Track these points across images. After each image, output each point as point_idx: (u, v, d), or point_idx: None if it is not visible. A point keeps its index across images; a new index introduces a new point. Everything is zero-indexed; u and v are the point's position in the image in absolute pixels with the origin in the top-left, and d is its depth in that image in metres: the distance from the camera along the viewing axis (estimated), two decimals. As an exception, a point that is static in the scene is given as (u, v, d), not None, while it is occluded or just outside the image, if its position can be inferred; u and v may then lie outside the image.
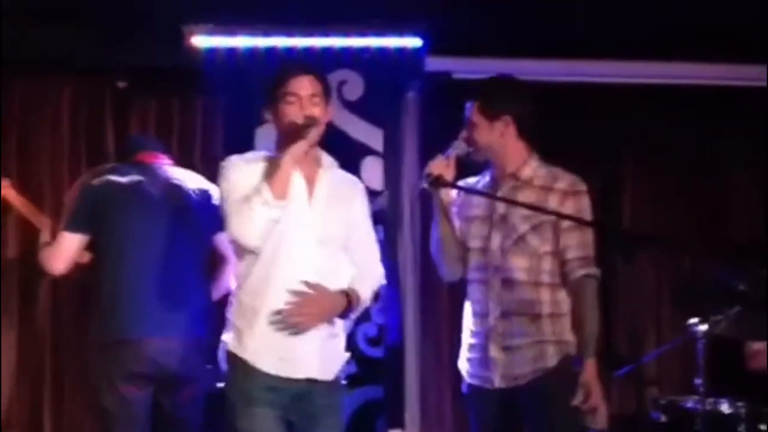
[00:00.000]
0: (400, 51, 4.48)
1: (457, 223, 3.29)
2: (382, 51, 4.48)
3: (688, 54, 4.68)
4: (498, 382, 3.16)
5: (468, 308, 3.27)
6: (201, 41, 4.47)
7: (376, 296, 4.42)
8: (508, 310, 3.16)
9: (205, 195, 3.71)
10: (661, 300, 4.97)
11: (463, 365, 3.28)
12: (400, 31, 4.45)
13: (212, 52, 4.48)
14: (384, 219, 4.52)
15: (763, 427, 3.82)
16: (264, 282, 2.92)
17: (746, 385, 4.04)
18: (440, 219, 3.25)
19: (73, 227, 3.61)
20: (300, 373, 2.92)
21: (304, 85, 2.95)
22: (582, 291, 3.14)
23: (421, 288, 4.78)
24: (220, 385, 3.07)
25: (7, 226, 4.79)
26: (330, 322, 2.99)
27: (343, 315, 3.01)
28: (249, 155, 3.06)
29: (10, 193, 3.96)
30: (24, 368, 4.78)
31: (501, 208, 3.20)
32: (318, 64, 4.43)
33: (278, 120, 2.97)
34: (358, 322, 4.47)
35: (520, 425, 3.18)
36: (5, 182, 3.97)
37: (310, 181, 3.00)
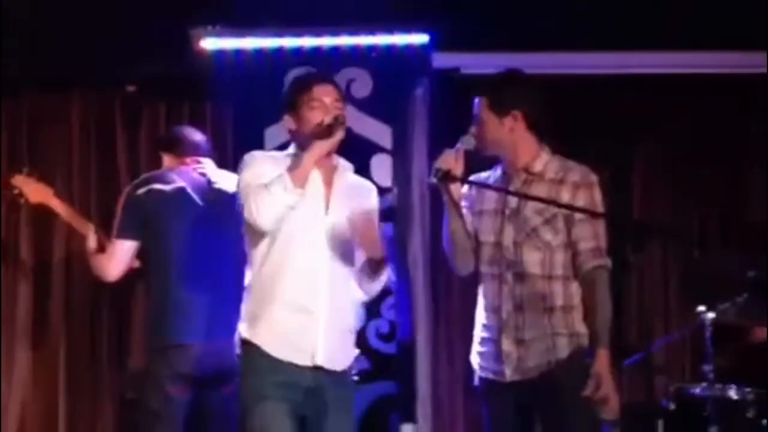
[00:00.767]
0: (408, 48, 4.49)
1: (468, 217, 3.29)
2: (390, 48, 4.50)
3: (701, 43, 4.66)
4: (510, 376, 3.18)
5: (480, 302, 3.29)
6: (209, 44, 4.49)
7: (385, 293, 4.50)
8: (521, 303, 3.17)
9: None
10: (670, 288, 4.99)
11: (475, 359, 3.30)
12: (407, 29, 4.47)
13: (221, 54, 4.50)
14: (394, 216, 4.55)
15: (771, 411, 3.85)
16: (280, 271, 3.00)
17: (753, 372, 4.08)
18: (451, 213, 3.25)
19: (124, 234, 3.73)
20: (307, 359, 2.97)
21: (328, 92, 3.09)
22: (594, 282, 3.16)
23: (432, 284, 4.80)
24: None
25: (20, 231, 4.83)
26: (346, 317, 3.07)
27: (376, 267, 3.06)
28: (272, 152, 3.19)
29: (54, 201, 4.00)
30: (38, 374, 4.81)
31: (513, 202, 3.21)
32: (326, 63, 4.51)
33: (303, 124, 3.09)
34: (370, 318, 4.52)
35: (532, 418, 3.20)
36: (48, 191, 4.02)
37: (328, 184, 3.12)
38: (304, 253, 3.01)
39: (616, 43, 4.65)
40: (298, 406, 2.97)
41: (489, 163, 3.34)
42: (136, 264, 3.87)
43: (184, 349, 3.63)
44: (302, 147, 3.08)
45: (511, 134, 3.22)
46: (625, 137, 4.99)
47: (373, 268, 3.07)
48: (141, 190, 3.76)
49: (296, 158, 3.04)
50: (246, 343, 3.02)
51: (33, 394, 4.80)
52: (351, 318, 3.13)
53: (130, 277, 4.03)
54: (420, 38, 4.49)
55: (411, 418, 4.57)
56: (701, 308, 3.84)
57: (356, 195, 3.15)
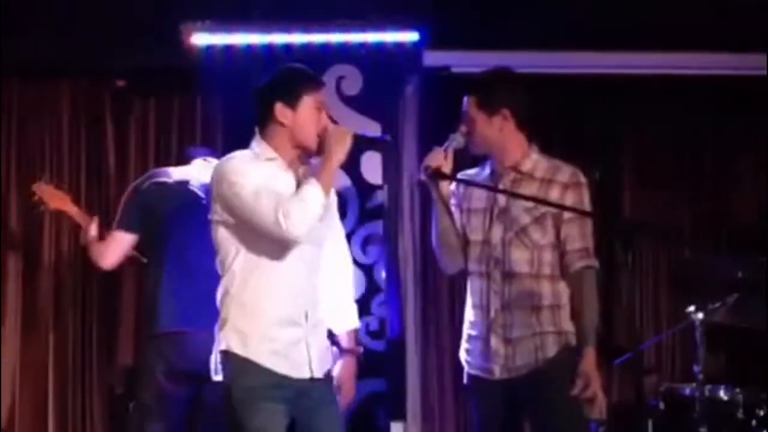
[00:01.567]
0: (398, 46, 4.48)
1: (457, 215, 3.29)
2: (380, 46, 4.49)
3: (688, 44, 4.68)
4: (499, 374, 3.18)
5: (468, 300, 3.29)
6: (199, 39, 4.48)
7: (375, 290, 4.50)
8: (509, 302, 3.17)
9: None
10: (660, 288, 5.00)
11: (464, 355, 3.30)
12: (397, 26, 4.46)
13: (210, 49, 4.48)
14: (383, 213, 4.55)
15: (760, 412, 3.85)
16: (272, 284, 2.92)
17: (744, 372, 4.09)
18: (439, 211, 3.25)
19: (123, 227, 3.79)
20: (304, 373, 2.95)
21: (324, 95, 3.03)
22: (581, 282, 3.16)
23: (422, 281, 4.81)
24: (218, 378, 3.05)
25: (9, 223, 4.82)
26: (324, 324, 3.07)
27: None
28: (241, 155, 3.00)
29: (71, 207, 4.02)
30: (27, 366, 4.81)
31: (502, 200, 3.21)
32: (316, 59, 4.48)
33: (300, 122, 2.95)
34: (360, 315, 4.50)
35: (521, 415, 3.21)
36: (66, 197, 4.04)
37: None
38: (293, 267, 2.93)
39: (607, 44, 4.66)
40: (292, 405, 2.94)
41: (478, 162, 3.33)
42: (132, 253, 3.91)
43: (176, 338, 3.63)
44: (289, 144, 2.97)
45: (500, 133, 3.22)
46: (615, 137, 4.99)
47: None
48: (145, 184, 3.83)
49: (320, 164, 2.93)
50: (236, 358, 2.93)
51: (22, 388, 4.80)
52: (324, 323, 3.09)
53: (121, 271, 4.05)
54: (410, 36, 4.48)
55: (400, 415, 4.57)
56: (691, 308, 3.84)
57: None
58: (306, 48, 4.48)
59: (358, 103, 4.52)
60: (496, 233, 3.20)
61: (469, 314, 3.28)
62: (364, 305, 4.51)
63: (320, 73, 4.43)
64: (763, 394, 3.89)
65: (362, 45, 4.50)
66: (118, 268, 3.93)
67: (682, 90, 4.85)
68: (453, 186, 3.29)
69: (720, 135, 5.01)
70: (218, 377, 2.98)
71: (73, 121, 4.88)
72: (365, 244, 4.53)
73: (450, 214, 3.27)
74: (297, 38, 4.47)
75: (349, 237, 4.31)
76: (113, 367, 4.80)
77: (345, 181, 4.47)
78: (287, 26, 4.48)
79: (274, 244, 2.90)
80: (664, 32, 4.54)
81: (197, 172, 3.83)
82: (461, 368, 3.33)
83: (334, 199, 3.09)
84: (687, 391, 3.95)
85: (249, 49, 4.48)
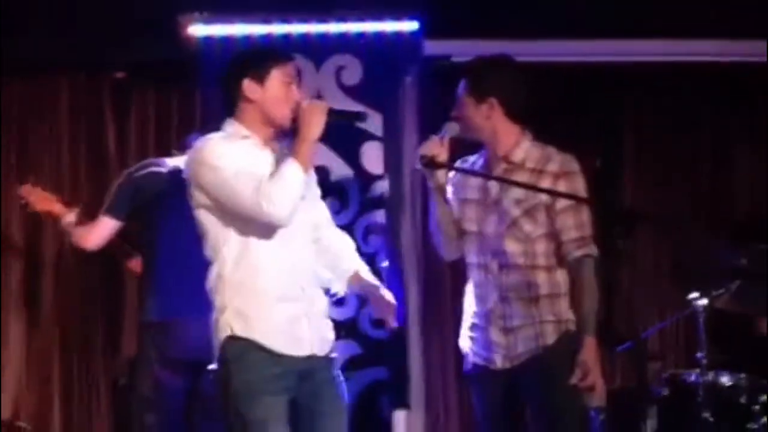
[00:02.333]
0: (398, 35, 4.47)
1: (453, 204, 3.29)
2: (380, 35, 4.48)
3: (688, 31, 4.66)
4: (500, 363, 3.19)
5: (469, 289, 3.29)
6: (197, 30, 4.47)
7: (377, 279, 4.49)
8: (507, 293, 3.17)
9: None
10: (662, 275, 5.00)
11: (466, 344, 3.30)
12: (397, 15, 4.45)
13: (209, 41, 4.48)
14: (385, 203, 4.54)
15: (763, 398, 3.85)
16: (264, 261, 2.88)
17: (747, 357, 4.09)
18: (436, 200, 3.25)
19: (112, 212, 3.83)
20: (305, 350, 2.92)
21: (296, 68, 2.98)
22: (580, 271, 3.15)
23: (424, 270, 4.81)
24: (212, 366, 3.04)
25: (11, 218, 4.83)
26: (322, 300, 3.02)
27: None
28: (218, 135, 2.94)
29: (59, 208, 4.02)
30: (32, 361, 4.82)
31: (494, 192, 3.20)
32: (315, 49, 4.48)
33: (269, 98, 2.89)
34: (362, 304, 4.52)
35: (522, 404, 3.21)
36: (52, 198, 4.04)
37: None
38: (284, 242, 2.89)
39: (607, 31, 4.64)
40: (294, 392, 2.92)
41: (476, 150, 3.32)
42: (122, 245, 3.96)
43: (171, 326, 3.65)
44: (260, 121, 2.91)
45: (488, 121, 3.20)
46: (616, 125, 4.98)
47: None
48: (139, 173, 3.87)
49: (299, 142, 2.86)
50: (236, 339, 2.88)
51: (27, 381, 4.81)
52: (324, 300, 3.04)
53: (123, 262, 4.04)
54: (410, 25, 4.47)
55: (403, 403, 4.58)
56: (694, 294, 3.83)
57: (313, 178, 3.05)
58: (305, 38, 4.47)
59: (357, 93, 4.51)
60: (490, 225, 3.19)
61: (471, 303, 3.29)
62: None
63: (319, 63, 4.52)
64: (765, 380, 3.89)
65: (362, 35, 4.49)
66: (118, 258, 3.98)
67: (683, 77, 4.84)
68: (450, 174, 3.29)
69: (720, 122, 5.00)
70: (214, 366, 2.96)
71: (72, 115, 4.88)
72: (366, 234, 4.53)
73: (447, 202, 3.26)
74: (296, 28, 4.46)
75: (350, 227, 4.34)
76: (117, 358, 4.82)
77: (346, 170, 4.47)
78: (286, 16, 4.47)
79: (260, 226, 2.86)
80: (664, 19, 4.52)
81: None
82: (463, 356, 3.33)
83: (312, 174, 3.04)
84: (690, 377, 3.94)
85: (247, 40, 4.47)
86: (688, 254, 4.27)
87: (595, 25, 4.60)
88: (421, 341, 4.73)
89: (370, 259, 4.52)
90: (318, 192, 3.10)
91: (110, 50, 4.66)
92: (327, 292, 3.08)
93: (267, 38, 4.45)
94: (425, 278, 4.80)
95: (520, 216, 3.16)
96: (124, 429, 4.52)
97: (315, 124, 2.87)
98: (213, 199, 2.87)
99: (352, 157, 4.48)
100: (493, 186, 3.19)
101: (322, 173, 3.92)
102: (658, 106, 4.97)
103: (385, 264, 4.53)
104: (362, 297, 4.41)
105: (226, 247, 2.89)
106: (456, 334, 3.39)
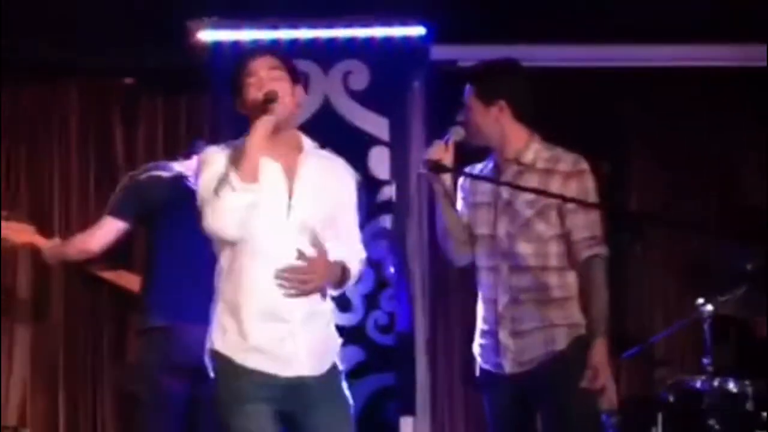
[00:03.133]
0: (405, 40, 4.47)
1: (464, 209, 3.30)
2: (387, 41, 4.48)
3: (692, 35, 4.67)
4: (509, 368, 3.19)
5: (479, 294, 3.29)
6: (206, 36, 4.48)
7: (384, 284, 4.50)
8: (517, 295, 3.17)
9: None
10: (670, 280, 4.99)
11: (477, 350, 3.31)
12: (404, 21, 4.45)
13: (218, 46, 4.48)
14: (392, 208, 4.55)
15: (770, 404, 3.85)
16: (246, 277, 2.80)
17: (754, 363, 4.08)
18: (443, 205, 3.25)
19: (116, 213, 3.82)
20: (290, 371, 2.81)
21: (262, 64, 2.83)
22: (590, 272, 3.15)
23: (431, 275, 4.80)
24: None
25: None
26: (324, 314, 2.90)
27: (337, 285, 2.92)
28: (223, 145, 2.91)
29: (38, 239, 4.05)
30: (38, 368, 4.81)
31: (505, 194, 3.20)
32: (323, 55, 4.50)
33: (243, 105, 2.86)
34: (369, 310, 4.52)
35: (532, 409, 3.21)
36: (30, 229, 4.07)
37: (292, 168, 2.86)
38: (270, 257, 2.79)
39: (614, 36, 4.65)
40: (280, 403, 2.82)
41: (483, 154, 3.33)
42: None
43: (171, 331, 3.64)
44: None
45: (497, 124, 3.21)
46: (623, 130, 4.98)
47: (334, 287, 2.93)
48: (143, 175, 3.87)
49: (239, 149, 2.78)
50: (219, 355, 2.85)
51: (33, 388, 4.80)
52: (327, 311, 2.93)
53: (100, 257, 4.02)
54: (417, 30, 4.47)
55: (410, 410, 4.57)
56: (700, 300, 3.83)
57: (328, 181, 2.90)
58: (313, 43, 4.48)
59: (365, 98, 4.52)
60: (502, 227, 3.20)
61: (480, 309, 3.29)
62: (372, 300, 4.53)
63: (327, 68, 4.53)
64: (769, 384, 3.89)
65: (369, 40, 4.49)
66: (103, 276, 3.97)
67: (690, 82, 4.84)
68: (461, 180, 3.30)
69: (726, 126, 5.00)
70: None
71: (81, 121, 4.88)
72: (373, 239, 4.53)
73: (453, 207, 3.26)
74: (304, 33, 4.47)
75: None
76: (123, 365, 4.81)
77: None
78: (294, 22, 4.48)
79: (248, 237, 2.77)
80: (668, 24, 4.53)
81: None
82: (471, 362, 3.34)
83: (350, 180, 2.97)
84: (697, 383, 3.93)
85: (256, 44, 4.46)
86: (695, 258, 4.26)
87: (602, 30, 4.60)
88: (428, 347, 4.73)
89: (377, 265, 4.54)
90: (327, 209, 2.90)
91: (119, 56, 4.67)
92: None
93: (275, 43, 4.46)
94: (432, 284, 4.80)
95: (533, 216, 3.17)
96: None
97: (256, 130, 2.78)
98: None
99: (359, 162, 4.47)
100: (504, 187, 3.19)
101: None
102: (664, 111, 4.97)
103: (392, 269, 4.54)
104: (368, 302, 4.46)
105: (221, 257, 2.87)
106: (463, 339, 3.40)
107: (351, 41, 4.49)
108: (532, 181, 3.18)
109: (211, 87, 4.64)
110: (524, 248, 3.17)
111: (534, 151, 3.22)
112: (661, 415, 3.96)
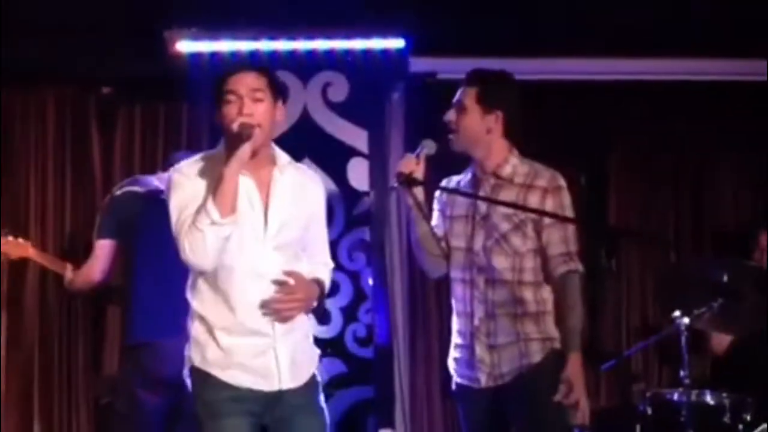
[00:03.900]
0: (384, 52, 4.49)
1: (440, 222, 3.29)
2: (366, 53, 4.50)
3: (672, 50, 4.70)
4: (485, 382, 3.18)
5: (454, 307, 3.28)
6: (184, 46, 4.47)
7: (362, 297, 4.49)
8: (493, 309, 3.17)
9: None
10: (646, 293, 5.01)
11: (452, 364, 3.30)
12: (383, 33, 4.47)
13: (196, 57, 4.48)
14: (371, 220, 4.55)
15: (747, 416, 3.86)
16: (222, 295, 2.80)
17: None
18: (416, 217, 3.24)
19: (101, 234, 3.87)
20: (270, 386, 2.83)
21: (244, 82, 2.76)
22: (565, 287, 3.15)
23: (410, 287, 4.81)
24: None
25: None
26: (301, 327, 2.90)
27: (317, 301, 2.93)
28: (196, 158, 2.87)
29: (33, 253, 4.14)
30: (12, 379, 4.77)
31: (483, 207, 3.20)
32: (302, 66, 4.50)
33: (221, 121, 2.81)
34: (348, 322, 4.51)
35: (507, 423, 3.20)
36: (26, 245, 4.13)
37: (265, 184, 2.84)
38: (247, 274, 2.79)
39: (591, 50, 4.69)
40: (258, 417, 2.83)
41: (455, 168, 3.32)
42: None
43: (152, 348, 3.67)
44: (226, 146, 2.81)
45: (488, 134, 3.21)
46: (601, 143, 5.01)
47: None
48: (118, 192, 3.91)
49: (219, 176, 2.72)
50: (197, 371, 2.85)
51: (7, 399, 4.76)
52: (306, 324, 2.94)
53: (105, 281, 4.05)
54: (396, 43, 4.49)
55: (388, 422, 4.56)
56: (677, 313, 3.84)
57: (300, 195, 2.89)
58: (292, 55, 4.49)
59: (344, 110, 4.53)
60: (478, 240, 3.19)
61: (455, 322, 3.28)
62: (351, 312, 4.53)
63: (306, 80, 4.53)
64: (749, 398, 3.90)
65: (348, 52, 4.51)
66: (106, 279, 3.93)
67: (667, 95, 4.88)
68: (437, 193, 3.29)
69: (702, 140, 5.03)
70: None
71: (58, 129, 4.87)
72: (352, 250, 4.53)
73: (427, 219, 3.26)
74: (283, 45, 4.48)
75: (335, 244, 4.33)
76: (98, 377, 4.79)
77: (332, 187, 4.48)
78: (273, 33, 4.48)
79: (223, 257, 2.76)
80: (649, 38, 4.56)
81: None
82: (449, 374, 3.32)
83: (320, 193, 2.96)
84: (674, 396, 3.94)
85: (235, 56, 4.48)
86: (671, 272, 4.28)
87: (580, 44, 4.64)
88: (407, 359, 4.72)
89: (355, 276, 4.53)
90: (298, 226, 2.89)
91: (97, 65, 4.66)
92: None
93: (254, 55, 4.47)
94: (411, 296, 4.80)
95: (510, 231, 3.16)
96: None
97: (233, 164, 2.73)
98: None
99: (337, 173, 4.48)
100: (482, 201, 3.20)
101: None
102: (641, 124, 5.00)
103: (371, 281, 4.53)
104: (346, 314, 4.45)
105: (197, 276, 2.85)
106: (442, 352, 3.39)
107: (330, 53, 4.50)
108: (509, 195, 3.18)
109: (189, 97, 4.64)
110: (500, 262, 3.16)
111: (512, 165, 3.22)
112: (639, 427, 3.97)
